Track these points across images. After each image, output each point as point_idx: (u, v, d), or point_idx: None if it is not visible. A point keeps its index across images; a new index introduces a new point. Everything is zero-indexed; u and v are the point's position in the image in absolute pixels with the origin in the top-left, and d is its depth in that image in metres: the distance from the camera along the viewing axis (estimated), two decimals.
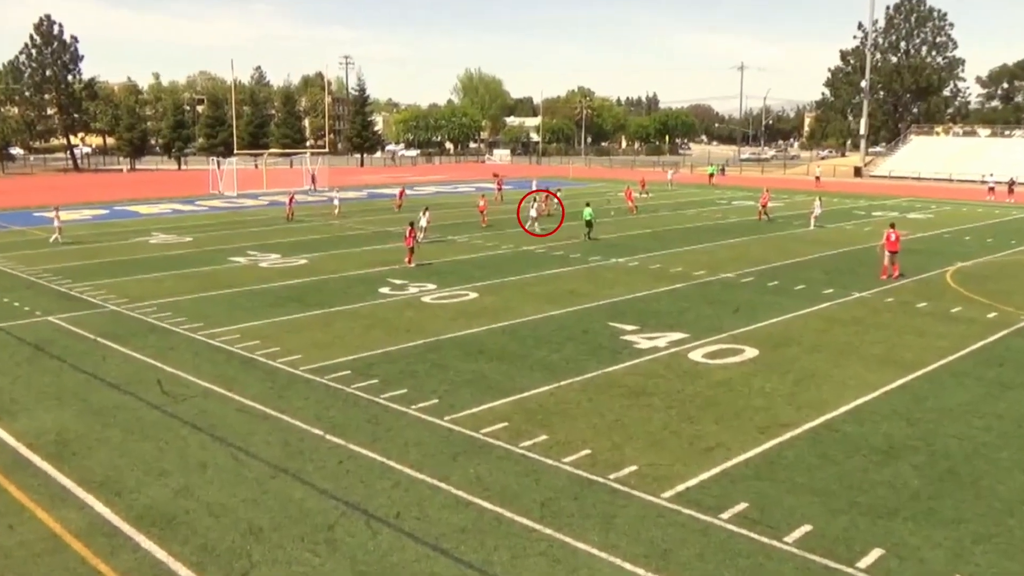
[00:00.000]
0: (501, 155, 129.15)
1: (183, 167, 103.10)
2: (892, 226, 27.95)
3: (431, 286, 25.27)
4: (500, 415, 14.06)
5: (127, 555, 9.60)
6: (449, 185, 70.54)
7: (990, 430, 13.56)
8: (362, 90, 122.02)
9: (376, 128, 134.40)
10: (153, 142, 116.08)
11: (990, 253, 33.31)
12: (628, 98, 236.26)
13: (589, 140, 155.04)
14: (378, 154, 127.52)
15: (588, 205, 36.84)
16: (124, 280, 26.49)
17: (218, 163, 65.93)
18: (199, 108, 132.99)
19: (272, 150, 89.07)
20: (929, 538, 10.00)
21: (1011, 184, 62.41)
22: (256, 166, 70.18)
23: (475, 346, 18.46)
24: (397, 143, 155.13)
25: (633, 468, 11.93)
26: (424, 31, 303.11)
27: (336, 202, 47.13)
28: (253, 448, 12.70)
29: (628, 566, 9.31)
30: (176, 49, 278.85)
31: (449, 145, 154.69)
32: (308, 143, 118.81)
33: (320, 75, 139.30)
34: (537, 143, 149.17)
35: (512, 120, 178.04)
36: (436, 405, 14.53)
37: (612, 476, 11.66)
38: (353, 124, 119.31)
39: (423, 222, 35.00)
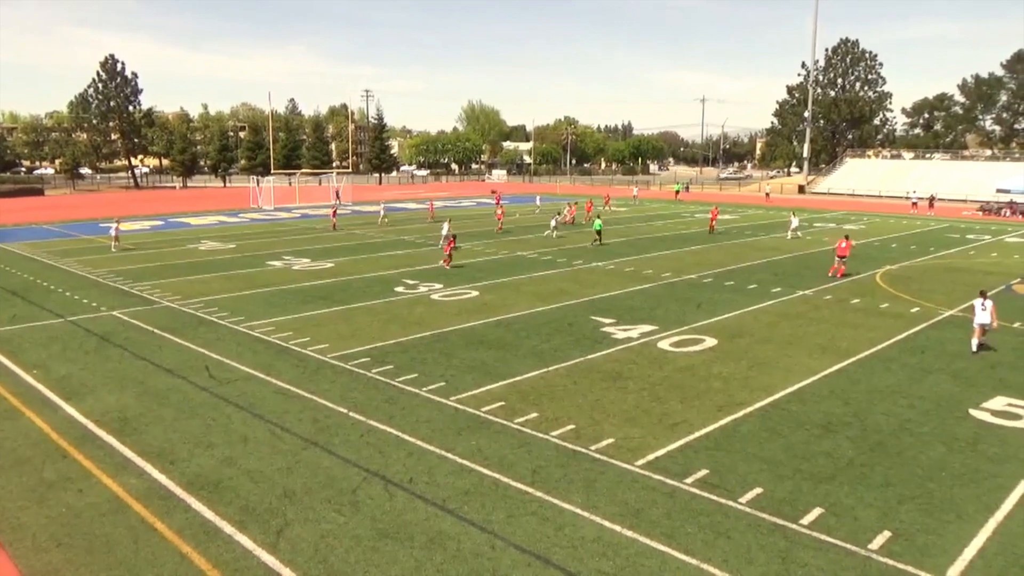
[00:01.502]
0: (499, 175, 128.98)
1: (228, 184, 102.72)
2: (847, 237, 29.09)
3: (438, 285, 25.22)
4: (497, 396, 14.05)
5: (180, 515, 9.57)
6: (454, 200, 70.39)
7: (913, 408, 13.60)
8: (380, 119, 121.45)
9: (392, 151, 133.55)
10: (202, 163, 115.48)
11: (913, 258, 33.36)
12: (607, 126, 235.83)
13: (573, 162, 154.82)
14: (394, 173, 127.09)
15: (599, 217, 38.51)
16: (177, 280, 26.40)
17: (258, 181, 65.55)
18: (241, 134, 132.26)
19: (304, 170, 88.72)
20: (862, 499, 10.02)
21: (931, 199, 62.56)
22: (290, 184, 69.77)
23: (476, 337, 18.43)
24: (410, 164, 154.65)
25: (611, 440, 11.93)
26: (433, 68, 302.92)
27: (382, 212, 48.80)
28: (287, 424, 12.68)
29: (607, 523, 9.32)
30: (222, 83, 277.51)
31: (454, 166, 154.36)
32: (334, 164, 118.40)
33: (345, 106, 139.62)
34: (529, 164, 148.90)
35: (508, 144, 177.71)
36: (443, 387, 14.51)
37: (593, 447, 11.66)
38: (373, 148, 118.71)
39: (445, 231, 35.51)
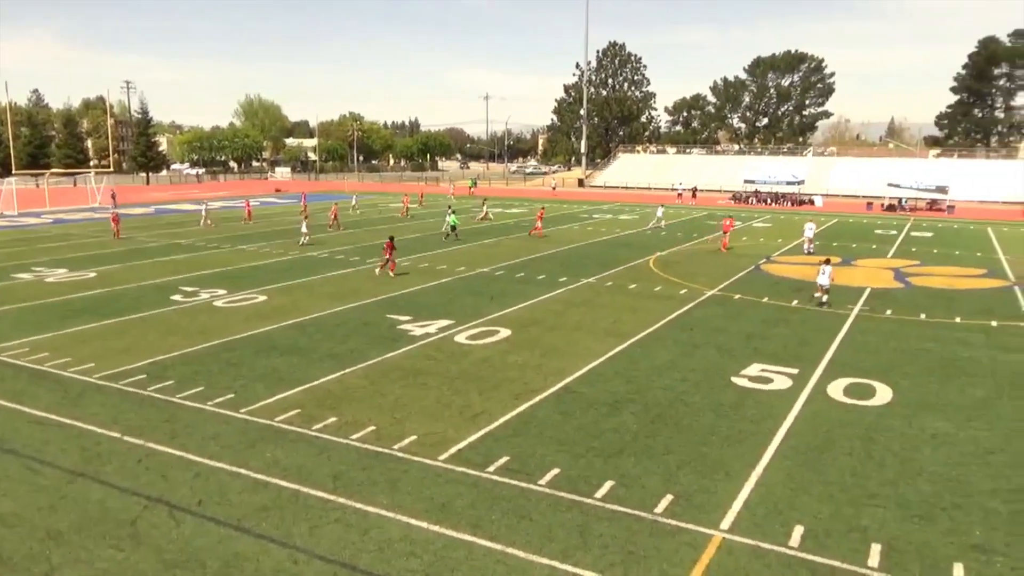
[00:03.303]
0: (282, 172, 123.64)
1: None
2: (731, 217, 38.71)
3: (222, 291, 23.67)
4: (293, 403, 13.49)
5: None
6: (236, 200, 66.34)
7: (686, 381, 14.99)
8: (145, 113, 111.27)
9: (160, 148, 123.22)
10: None
11: (680, 244, 36.79)
12: (394, 122, 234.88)
13: (361, 158, 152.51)
14: (164, 172, 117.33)
15: (454, 213, 38.98)
16: None
17: None
18: None
19: (54, 170, 79.04)
20: (647, 468, 10.88)
21: (694, 190, 69.35)
22: (38, 185, 61.90)
23: (267, 343, 17.56)
24: (182, 162, 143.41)
25: (413, 438, 11.92)
26: (205, 59, 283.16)
27: (204, 211, 45.61)
28: (48, 457, 11.25)
29: (413, 521, 9.31)
30: None
31: (233, 164, 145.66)
32: (92, 163, 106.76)
33: (102, 99, 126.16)
34: (315, 161, 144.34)
35: (291, 141, 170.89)
36: (232, 399, 13.66)
37: (395, 446, 11.59)
38: (137, 145, 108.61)
39: (304, 228, 35.44)
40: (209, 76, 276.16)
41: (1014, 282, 27.02)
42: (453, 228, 37.36)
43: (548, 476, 10.56)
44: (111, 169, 72.05)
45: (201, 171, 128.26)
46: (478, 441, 11.82)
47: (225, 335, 18.21)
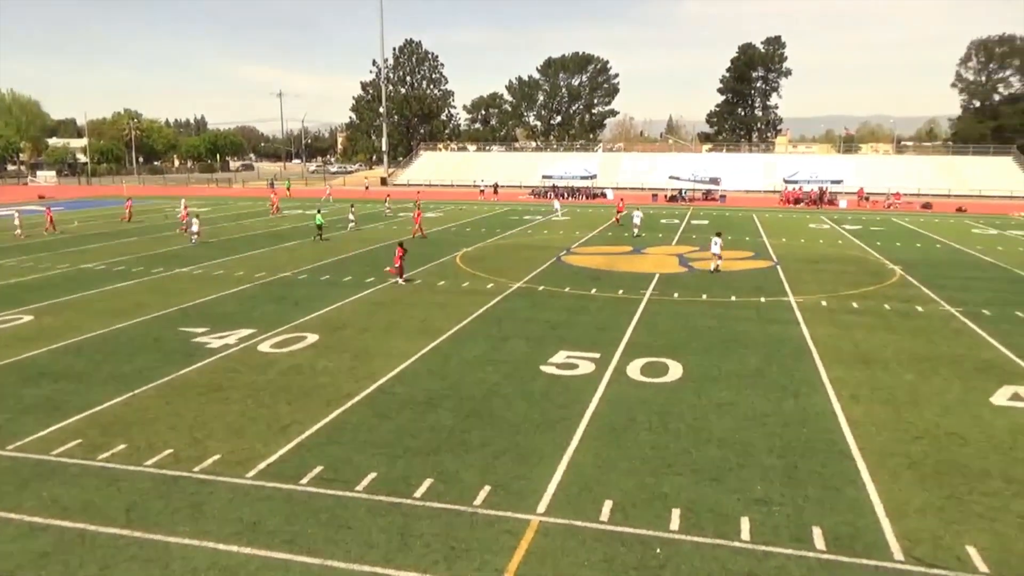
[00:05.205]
0: (46, 177, 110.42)
1: None
2: (623, 201, 48.81)
3: None
4: (72, 433, 12.13)
5: None
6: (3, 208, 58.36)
7: (498, 372, 15.36)
8: None
9: None
10: None
11: (485, 239, 37.62)
12: (177, 120, 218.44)
13: (141, 160, 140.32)
14: None
15: (319, 212, 39.09)
16: None
17: None
18: None
19: None
20: (465, 462, 11.03)
21: (495, 186, 71.18)
22: None
23: (35, 369, 15.61)
24: None
25: (217, 457, 11.19)
26: None
27: (17, 219, 39.52)
28: None
29: (221, 546, 8.75)
30: None
31: None
32: None
33: None
34: (86, 164, 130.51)
35: (56, 141, 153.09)
36: None
37: (197, 468, 10.81)
38: None
39: (195, 227, 34.76)
40: None
41: (776, 262, 30.53)
42: (319, 228, 37.08)
43: (365, 481, 10.37)
44: None
45: None
46: (289, 453, 11.34)
47: None
